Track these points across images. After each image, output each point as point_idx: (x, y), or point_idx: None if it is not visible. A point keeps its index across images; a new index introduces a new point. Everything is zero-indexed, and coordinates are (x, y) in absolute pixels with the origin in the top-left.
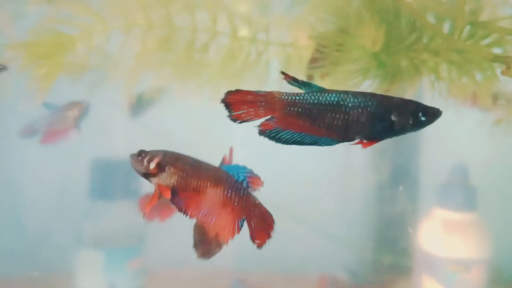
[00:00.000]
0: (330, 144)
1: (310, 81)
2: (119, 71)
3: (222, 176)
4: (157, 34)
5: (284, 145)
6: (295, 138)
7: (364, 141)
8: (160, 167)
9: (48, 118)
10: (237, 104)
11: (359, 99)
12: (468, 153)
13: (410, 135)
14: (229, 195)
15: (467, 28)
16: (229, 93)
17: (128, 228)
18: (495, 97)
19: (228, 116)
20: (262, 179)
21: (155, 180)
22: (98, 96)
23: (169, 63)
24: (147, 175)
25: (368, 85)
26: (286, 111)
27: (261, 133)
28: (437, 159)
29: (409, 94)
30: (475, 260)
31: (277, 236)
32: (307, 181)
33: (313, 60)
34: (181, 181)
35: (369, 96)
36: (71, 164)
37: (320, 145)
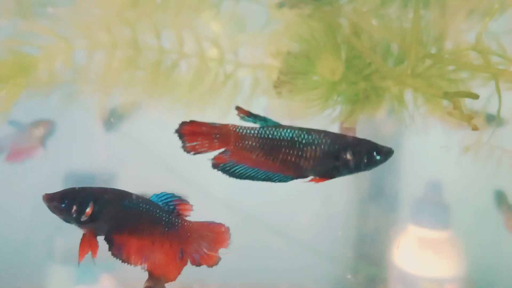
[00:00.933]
0: (284, 181)
1: (264, 116)
2: (91, 86)
3: (157, 215)
4: (122, 54)
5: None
6: (249, 173)
7: (317, 177)
8: (93, 217)
9: (14, 136)
10: (191, 135)
11: (313, 136)
12: (442, 170)
13: None
14: (166, 232)
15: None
16: (182, 124)
17: (100, 242)
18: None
19: (182, 147)
20: (190, 204)
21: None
22: (70, 110)
23: (138, 81)
24: (77, 223)
25: (329, 113)
26: (240, 145)
27: (215, 166)
28: (413, 176)
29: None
30: (449, 278)
31: (256, 249)
32: (287, 195)
33: (278, 83)
34: (116, 228)
35: (323, 134)
36: (44, 178)
37: (274, 181)
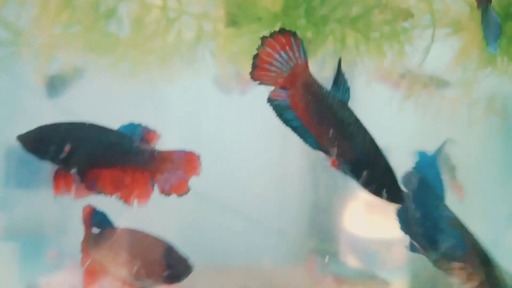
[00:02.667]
0: (312, 147)
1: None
2: (31, 48)
3: (127, 146)
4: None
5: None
6: (293, 122)
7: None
8: (70, 154)
9: None
10: (267, 62)
11: (360, 133)
12: (385, 132)
13: None
14: (136, 162)
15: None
16: (264, 39)
17: (44, 217)
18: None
19: (250, 73)
20: (157, 131)
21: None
22: (9, 76)
23: (79, 37)
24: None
25: None
26: (304, 92)
27: (270, 100)
28: None
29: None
30: (397, 240)
31: (204, 226)
32: (239, 166)
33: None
34: (89, 161)
35: (369, 139)
36: None
37: (305, 142)
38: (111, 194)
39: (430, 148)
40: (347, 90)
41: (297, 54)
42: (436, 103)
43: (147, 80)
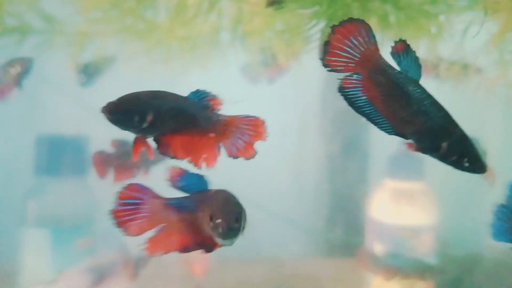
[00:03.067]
0: (388, 133)
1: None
2: (65, 37)
3: (197, 112)
4: None
5: None
6: (366, 108)
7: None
8: (151, 123)
9: None
10: (338, 47)
11: (437, 110)
12: None
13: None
14: (204, 127)
15: None
16: (335, 27)
17: (75, 206)
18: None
19: (321, 59)
20: (220, 98)
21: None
22: (42, 63)
23: (115, 23)
24: (137, 131)
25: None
26: (375, 76)
27: (341, 89)
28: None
29: None
30: (424, 227)
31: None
32: (261, 157)
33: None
34: (164, 129)
35: (444, 113)
36: (15, 138)
37: (380, 127)
38: (182, 159)
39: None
40: (418, 67)
41: (366, 39)
42: (473, 85)
43: (179, 66)
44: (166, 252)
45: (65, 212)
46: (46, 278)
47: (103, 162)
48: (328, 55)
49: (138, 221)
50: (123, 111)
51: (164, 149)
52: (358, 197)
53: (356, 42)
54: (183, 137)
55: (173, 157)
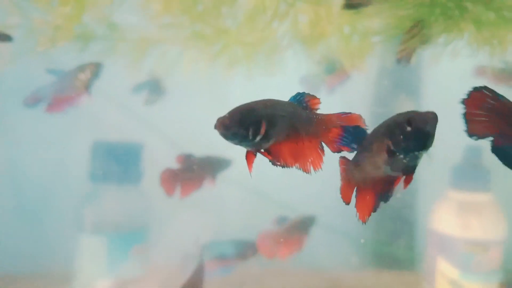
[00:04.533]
0: None
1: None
2: (128, 43)
3: (300, 116)
4: None
5: None
6: None
7: None
8: (264, 136)
9: (56, 84)
10: (475, 110)
11: None
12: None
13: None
14: (306, 130)
15: None
16: (469, 95)
17: (131, 213)
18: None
19: (466, 130)
20: (317, 97)
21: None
22: (103, 72)
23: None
24: (251, 144)
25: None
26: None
27: (494, 150)
28: (450, 141)
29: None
30: (492, 241)
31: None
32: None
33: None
34: (274, 139)
35: None
36: (72, 145)
37: None
38: (292, 166)
39: None
40: None
41: (495, 99)
42: None
43: (242, 72)
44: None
45: (120, 219)
46: (102, 284)
47: (171, 178)
48: (470, 124)
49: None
50: (237, 125)
51: (275, 159)
52: (416, 209)
53: (488, 106)
54: (289, 143)
55: (283, 166)
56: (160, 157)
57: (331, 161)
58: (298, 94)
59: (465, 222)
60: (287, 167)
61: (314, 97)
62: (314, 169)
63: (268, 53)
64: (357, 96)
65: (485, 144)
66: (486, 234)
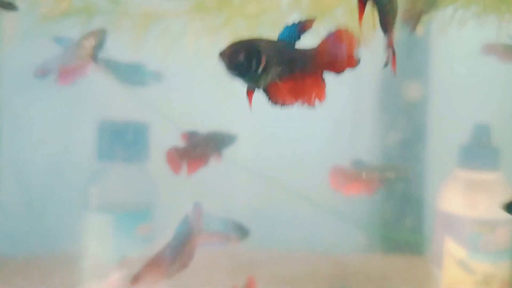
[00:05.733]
0: None
1: None
2: (130, 17)
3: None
4: None
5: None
6: None
7: None
8: (264, 68)
9: (62, 55)
10: None
11: None
12: (489, 112)
13: (430, 95)
14: (303, 63)
15: None
16: None
17: (137, 192)
18: None
19: None
20: (311, 18)
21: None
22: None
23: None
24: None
25: None
26: None
27: None
28: (458, 119)
29: None
30: (501, 220)
31: (275, 212)
32: (313, 159)
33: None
34: (273, 75)
35: None
36: (78, 122)
37: None
38: (293, 104)
39: None
40: None
41: None
42: None
43: None
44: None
45: (126, 198)
46: (108, 262)
47: (177, 156)
48: None
49: None
50: (242, 56)
51: (274, 99)
52: (424, 189)
53: None
54: (287, 81)
55: (284, 105)
56: (165, 137)
57: (338, 147)
58: (287, 28)
59: (473, 202)
60: (287, 105)
61: (306, 21)
62: (320, 101)
63: (272, 26)
64: (364, 72)
65: (494, 122)
66: (494, 214)
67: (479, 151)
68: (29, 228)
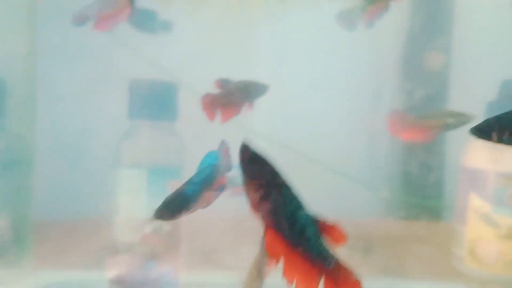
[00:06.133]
0: None
1: None
2: None
3: None
4: None
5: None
6: None
7: None
8: None
9: (100, 1)
10: None
11: None
12: None
13: (454, 53)
14: None
15: None
16: None
17: (166, 149)
18: None
19: None
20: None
21: None
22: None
23: None
24: None
25: None
26: None
27: None
28: (484, 76)
29: None
30: None
31: (304, 184)
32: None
33: None
34: None
35: None
36: (109, 83)
37: None
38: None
39: None
40: None
41: None
42: None
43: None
44: None
45: (157, 155)
46: (141, 217)
47: (212, 104)
48: None
49: None
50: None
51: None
52: (448, 144)
53: None
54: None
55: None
56: (194, 97)
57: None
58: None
59: (498, 156)
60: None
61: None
62: None
63: None
64: (390, 32)
65: None
66: None
67: (505, 106)
68: (66, 189)
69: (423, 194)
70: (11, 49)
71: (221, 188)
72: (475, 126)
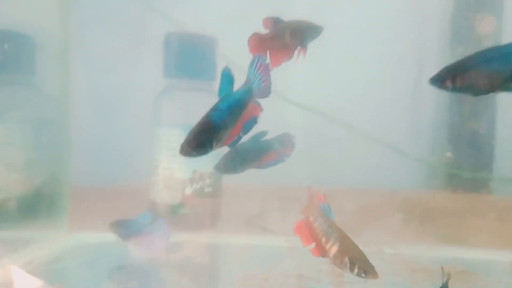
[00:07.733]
0: None
1: None
2: None
3: None
4: None
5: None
6: None
7: None
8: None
9: None
10: None
11: None
12: None
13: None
14: None
15: None
16: None
17: (201, 109)
18: None
19: None
20: None
21: None
22: None
23: None
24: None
25: None
26: None
27: None
28: None
29: None
30: None
31: (339, 151)
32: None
33: None
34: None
35: None
36: (144, 40)
37: None
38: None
39: None
40: None
41: None
42: None
43: None
44: None
45: (195, 113)
46: (180, 174)
47: (260, 46)
48: None
49: None
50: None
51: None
52: (483, 127)
53: None
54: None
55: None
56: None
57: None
58: None
59: None
60: None
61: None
62: None
63: None
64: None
65: None
66: None
67: None
68: (103, 150)
69: (472, 167)
70: (41, 5)
71: (253, 121)
72: (432, 76)
